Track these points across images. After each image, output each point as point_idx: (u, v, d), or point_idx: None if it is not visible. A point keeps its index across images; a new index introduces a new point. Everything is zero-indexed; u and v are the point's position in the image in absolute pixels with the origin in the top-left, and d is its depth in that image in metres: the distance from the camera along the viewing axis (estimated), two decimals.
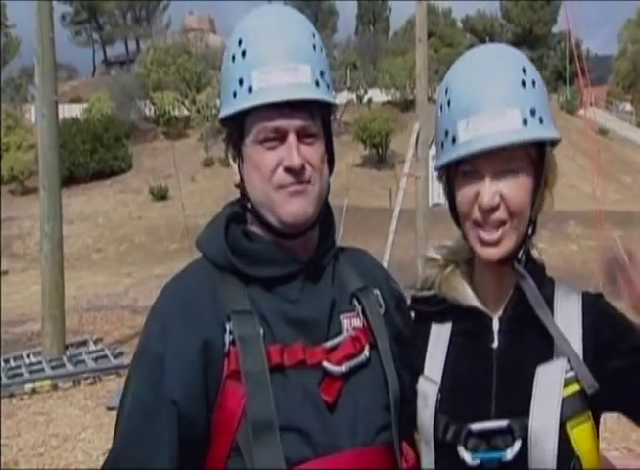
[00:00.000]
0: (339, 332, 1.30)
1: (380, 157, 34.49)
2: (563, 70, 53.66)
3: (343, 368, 1.26)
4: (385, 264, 8.13)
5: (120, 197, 31.56)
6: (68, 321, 9.33)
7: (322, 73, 1.28)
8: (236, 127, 1.30)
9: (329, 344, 1.28)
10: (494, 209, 1.20)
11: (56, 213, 8.86)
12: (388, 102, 40.69)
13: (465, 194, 1.23)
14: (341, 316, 1.32)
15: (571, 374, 1.21)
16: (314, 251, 1.34)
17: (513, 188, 1.20)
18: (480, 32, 65.60)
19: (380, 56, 47.84)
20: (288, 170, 1.25)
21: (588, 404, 1.22)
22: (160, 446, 1.18)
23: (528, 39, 64.45)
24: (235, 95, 1.27)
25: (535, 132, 1.20)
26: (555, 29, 64.43)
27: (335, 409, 1.25)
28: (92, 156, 33.32)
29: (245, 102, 1.25)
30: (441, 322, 1.36)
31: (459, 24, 68.86)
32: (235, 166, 1.33)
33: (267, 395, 1.18)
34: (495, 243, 1.22)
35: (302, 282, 1.31)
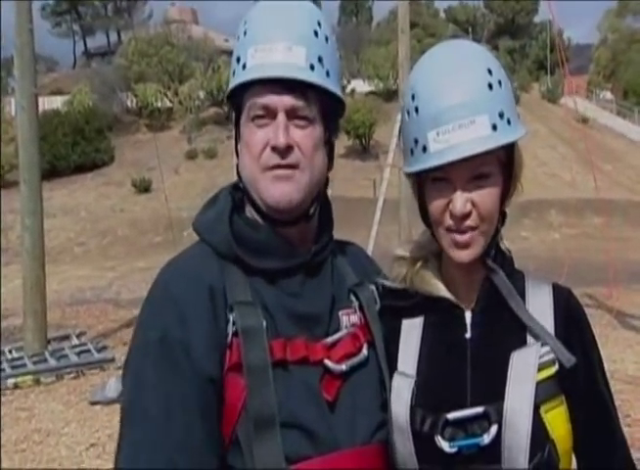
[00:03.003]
0: (338, 328, 1.30)
1: (363, 147, 34.49)
2: (544, 59, 53.91)
3: (344, 366, 1.26)
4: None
5: (103, 190, 31.35)
6: (50, 315, 9.26)
7: (320, 59, 1.27)
8: (235, 106, 1.31)
9: (329, 340, 1.27)
10: (466, 216, 1.22)
11: (37, 207, 8.77)
12: (372, 92, 40.67)
13: (436, 201, 1.24)
14: (340, 312, 1.32)
15: (546, 358, 1.23)
16: (313, 244, 1.33)
17: (483, 194, 1.22)
18: (463, 22, 65.70)
19: (363, 46, 47.79)
20: (274, 149, 1.23)
21: (562, 388, 1.24)
22: (197, 433, 1.14)
23: (511, 29, 64.68)
24: (234, 73, 1.29)
25: (505, 136, 1.21)
26: (537, 19, 64.79)
27: (335, 408, 1.24)
28: (74, 148, 33.05)
29: (238, 78, 1.27)
30: (412, 316, 1.36)
31: (442, 15, 68.92)
32: (235, 147, 1.33)
33: (269, 389, 1.16)
34: (467, 245, 1.24)
35: (304, 276, 1.30)
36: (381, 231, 10.45)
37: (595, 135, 37.98)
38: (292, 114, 1.24)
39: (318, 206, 1.33)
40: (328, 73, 1.29)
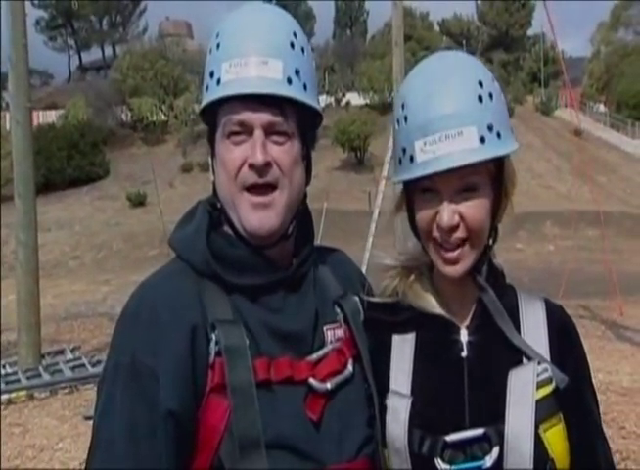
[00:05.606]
0: (322, 344, 1.27)
1: (359, 160, 34.58)
2: (538, 71, 54.23)
3: (329, 385, 1.22)
4: (364, 267, 8.12)
5: (98, 203, 31.33)
6: (44, 330, 9.18)
7: (297, 72, 1.22)
8: (209, 122, 1.27)
9: (314, 357, 1.24)
10: (454, 228, 1.19)
11: (31, 221, 8.73)
12: (367, 105, 40.82)
13: (424, 212, 1.22)
14: (324, 327, 1.29)
15: (543, 376, 1.21)
16: (294, 258, 1.29)
17: (472, 207, 1.19)
18: (457, 35, 66.11)
19: (357, 59, 48.03)
20: (251, 167, 1.19)
21: (559, 406, 1.22)
22: (164, 463, 1.12)
23: (504, 41, 65.06)
24: (207, 88, 1.25)
25: (493, 150, 1.18)
26: (530, 32, 65.20)
27: (320, 426, 1.21)
28: (68, 162, 33.06)
29: (213, 94, 1.22)
30: (404, 332, 1.32)
31: (436, 28, 69.30)
32: (211, 164, 1.29)
33: (254, 410, 1.13)
34: (456, 261, 1.22)
35: (285, 291, 1.26)
36: (376, 243, 10.46)
37: (589, 147, 38.13)
38: (269, 129, 1.20)
39: (296, 223, 1.29)
40: (305, 86, 1.24)
